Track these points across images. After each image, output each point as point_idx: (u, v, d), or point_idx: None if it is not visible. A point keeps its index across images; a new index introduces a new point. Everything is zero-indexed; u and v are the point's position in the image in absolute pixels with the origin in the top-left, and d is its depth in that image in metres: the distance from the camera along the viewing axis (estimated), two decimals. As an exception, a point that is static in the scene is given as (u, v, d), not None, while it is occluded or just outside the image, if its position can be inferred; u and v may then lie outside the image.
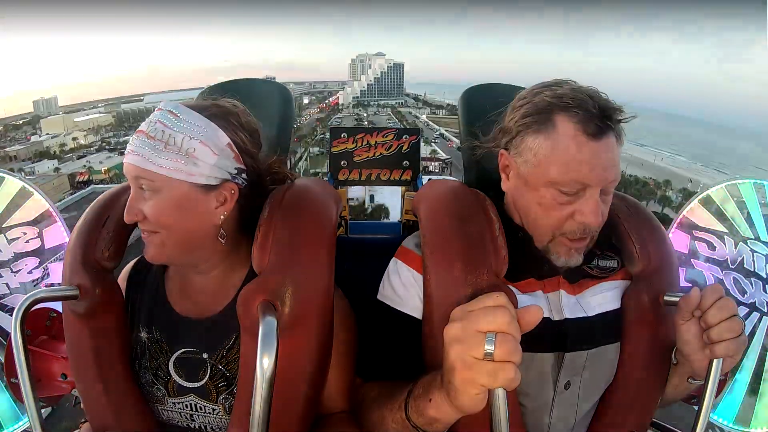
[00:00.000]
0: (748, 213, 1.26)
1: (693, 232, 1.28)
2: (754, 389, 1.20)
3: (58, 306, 0.95)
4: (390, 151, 1.26)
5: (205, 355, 0.76)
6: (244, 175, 0.75)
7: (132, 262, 0.88)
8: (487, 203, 0.76)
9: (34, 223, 1.31)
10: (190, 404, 0.77)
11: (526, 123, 0.70)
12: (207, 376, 0.76)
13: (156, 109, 0.72)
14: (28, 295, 0.69)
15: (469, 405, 0.52)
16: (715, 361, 0.65)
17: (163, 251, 0.72)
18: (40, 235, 1.31)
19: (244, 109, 0.78)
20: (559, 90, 0.68)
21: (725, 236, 1.26)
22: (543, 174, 0.68)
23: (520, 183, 0.73)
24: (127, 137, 65.68)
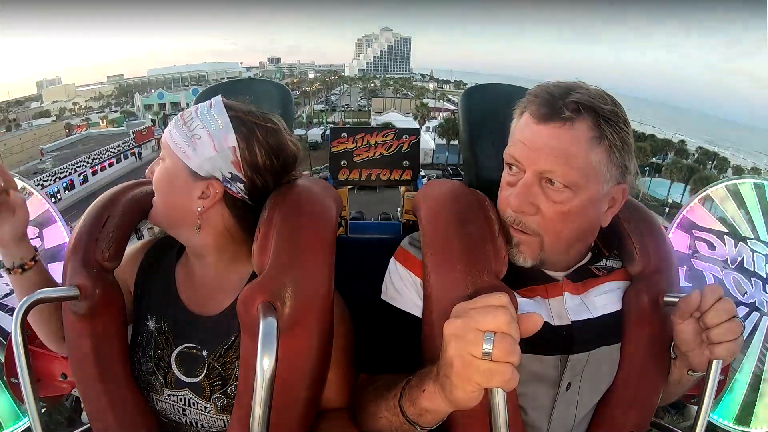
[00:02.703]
0: (748, 213, 1.26)
1: (693, 232, 1.28)
2: (754, 389, 1.20)
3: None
4: (390, 151, 1.26)
5: (204, 353, 0.76)
6: (240, 185, 0.74)
7: (144, 242, 0.89)
8: (487, 203, 0.76)
9: (34, 223, 1.31)
10: (185, 399, 0.77)
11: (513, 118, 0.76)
12: (203, 374, 0.76)
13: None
14: (28, 295, 0.69)
15: (464, 400, 0.52)
16: (714, 361, 0.65)
17: (155, 212, 0.79)
18: (40, 235, 1.31)
19: (280, 129, 0.78)
20: (536, 88, 0.72)
21: (725, 236, 1.26)
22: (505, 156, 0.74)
23: None
24: (131, 108, 60.79)
